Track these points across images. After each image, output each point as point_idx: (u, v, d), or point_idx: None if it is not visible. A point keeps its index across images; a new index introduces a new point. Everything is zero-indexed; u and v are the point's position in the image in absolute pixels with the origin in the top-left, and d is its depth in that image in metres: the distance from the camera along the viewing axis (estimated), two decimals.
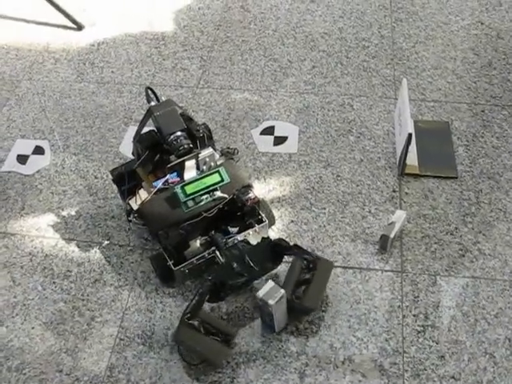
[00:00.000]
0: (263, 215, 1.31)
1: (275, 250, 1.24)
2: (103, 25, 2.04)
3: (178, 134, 1.23)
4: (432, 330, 1.19)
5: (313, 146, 1.55)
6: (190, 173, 1.26)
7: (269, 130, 1.59)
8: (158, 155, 1.27)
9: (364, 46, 1.83)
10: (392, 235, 1.29)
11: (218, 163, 1.30)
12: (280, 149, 1.55)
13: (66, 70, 1.89)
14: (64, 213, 1.47)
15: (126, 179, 1.32)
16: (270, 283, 1.16)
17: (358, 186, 1.46)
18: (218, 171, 1.27)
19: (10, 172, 1.59)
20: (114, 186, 1.39)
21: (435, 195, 1.42)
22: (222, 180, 1.26)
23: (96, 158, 1.59)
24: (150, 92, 1.28)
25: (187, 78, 1.78)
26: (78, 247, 1.39)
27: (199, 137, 1.28)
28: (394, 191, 1.44)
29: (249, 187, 1.27)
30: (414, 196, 1.43)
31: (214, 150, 1.32)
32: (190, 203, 1.24)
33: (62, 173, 1.56)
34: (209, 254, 1.26)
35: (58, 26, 2.06)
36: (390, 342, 1.18)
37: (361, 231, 1.36)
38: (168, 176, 1.26)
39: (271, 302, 1.12)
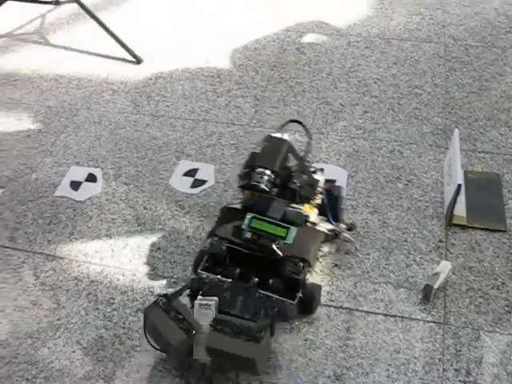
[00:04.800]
0: (298, 294, 1.26)
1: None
2: (161, 60, 2.11)
3: (267, 172, 1.24)
4: None
5: (361, 191, 1.55)
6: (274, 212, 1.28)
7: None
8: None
9: (416, 94, 1.84)
10: (436, 286, 1.28)
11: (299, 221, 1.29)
12: None
13: (122, 101, 1.95)
14: (111, 241, 1.50)
15: None
16: None
17: (403, 233, 1.45)
18: (288, 228, 1.26)
19: (62, 197, 1.64)
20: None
21: (482, 248, 1.41)
22: (285, 238, 1.26)
23: (146, 189, 1.62)
24: (298, 124, 1.37)
25: (240, 115, 1.82)
26: (123, 276, 1.42)
27: (290, 188, 1.28)
28: (440, 241, 1.43)
29: (304, 262, 1.26)
30: (461, 247, 1.41)
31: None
32: (248, 235, 1.27)
33: (113, 201, 1.60)
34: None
35: (118, 59, 2.14)
36: None
37: (404, 279, 1.35)
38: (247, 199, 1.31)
39: None
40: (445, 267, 1.31)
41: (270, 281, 1.26)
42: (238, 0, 2.38)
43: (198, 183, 1.62)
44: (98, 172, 1.70)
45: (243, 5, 2.35)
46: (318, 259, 1.38)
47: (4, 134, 1.89)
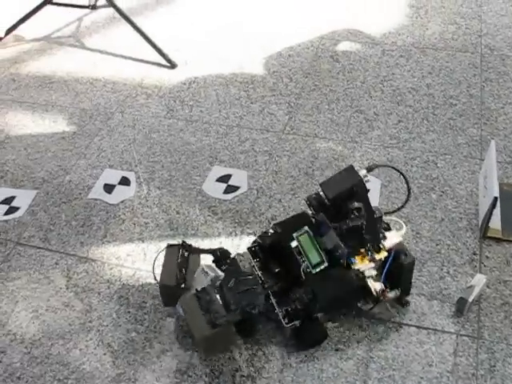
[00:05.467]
0: (296, 323, 1.24)
1: None
2: (195, 65, 2.12)
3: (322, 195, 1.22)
4: None
5: (394, 201, 1.54)
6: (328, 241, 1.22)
7: None
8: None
9: (451, 104, 1.82)
10: (470, 299, 1.26)
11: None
12: None
13: (157, 105, 1.96)
14: (144, 244, 1.51)
15: None
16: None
17: (437, 245, 1.43)
18: (322, 260, 1.21)
19: (96, 199, 1.66)
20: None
21: None
22: (312, 265, 1.21)
23: (179, 193, 1.63)
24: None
25: (273, 122, 1.82)
26: (155, 280, 1.42)
27: (353, 226, 1.20)
28: (474, 254, 1.41)
29: (312, 300, 1.22)
30: (495, 261, 1.39)
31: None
32: (293, 244, 1.24)
33: (145, 205, 1.61)
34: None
35: (153, 64, 2.16)
36: None
37: (437, 291, 1.34)
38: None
39: None
40: (479, 280, 1.29)
41: (290, 295, 1.24)
42: (273, 7, 2.39)
43: (231, 189, 1.62)
44: (131, 175, 1.71)
45: (278, 12, 2.35)
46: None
47: (39, 135, 1.92)
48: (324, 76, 1.99)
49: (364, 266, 1.21)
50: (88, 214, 1.62)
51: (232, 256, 1.34)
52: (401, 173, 1.30)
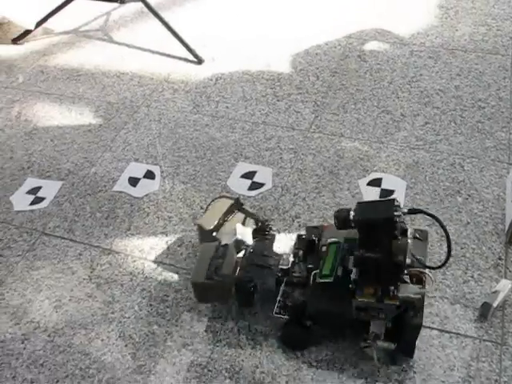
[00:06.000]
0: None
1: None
2: (222, 61, 2.13)
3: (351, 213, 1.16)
4: None
5: (419, 203, 1.53)
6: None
7: (376, 182, 1.59)
8: None
9: (480, 107, 1.81)
10: (495, 304, 1.25)
11: None
12: None
13: (183, 100, 1.97)
14: (167, 238, 1.52)
15: None
16: None
17: (462, 248, 1.42)
18: (330, 273, 1.18)
19: (120, 192, 1.67)
20: None
21: None
22: (320, 275, 1.19)
23: (204, 189, 1.63)
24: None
25: (299, 120, 1.82)
26: (177, 273, 1.43)
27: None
28: (499, 259, 1.39)
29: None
30: None
31: None
32: (323, 248, 1.23)
33: (170, 199, 1.62)
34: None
35: (180, 59, 2.16)
36: None
37: (461, 295, 1.32)
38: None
39: None
40: (505, 286, 1.28)
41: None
42: (301, 5, 2.38)
43: (255, 186, 1.62)
44: (156, 169, 1.72)
45: (306, 10, 2.35)
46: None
47: (66, 127, 1.93)
48: (351, 75, 1.98)
49: (367, 301, 1.14)
50: (112, 207, 1.63)
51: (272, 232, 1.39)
52: (443, 228, 1.12)
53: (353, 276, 1.14)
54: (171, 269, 1.44)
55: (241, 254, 1.31)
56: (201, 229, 1.36)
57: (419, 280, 1.17)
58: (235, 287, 1.27)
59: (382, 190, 1.56)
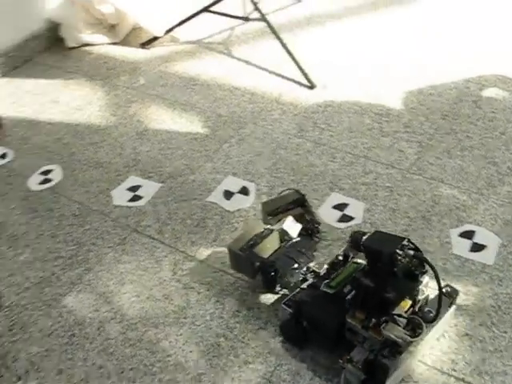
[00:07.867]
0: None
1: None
2: (334, 89, 2.14)
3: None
4: None
5: (511, 263, 1.46)
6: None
7: (468, 234, 1.53)
8: None
9: None
10: None
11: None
12: (475, 256, 1.48)
13: (289, 123, 2.00)
14: None
15: None
16: None
17: None
18: (336, 285, 1.26)
19: (213, 203, 1.71)
20: None
21: None
22: (328, 285, 1.28)
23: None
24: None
25: (401, 159, 1.79)
26: (253, 292, 1.45)
27: None
28: None
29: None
30: None
31: None
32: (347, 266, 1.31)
33: (259, 218, 1.64)
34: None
35: (293, 81, 2.20)
36: None
37: None
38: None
39: None
40: None
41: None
42: (420, 42, 2.35)
43: (345, 218, 1.61)
44: (251, 186, 1.75)
45: (425, 48, 2.31)
46: None
47: (175, 133, 2.01)
48: (462, 120, 1.92)
49: (354, 323, 1.18)
50: (203, 216, 1.68)
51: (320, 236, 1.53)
52: (432, 268, 1.15)
53: (349, 296, 1.21)
54: (247, 286, 1.46)
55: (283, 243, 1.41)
56: (263, 210, 1.54)
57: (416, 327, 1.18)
58: (259, 268, 1.36)
59: (473, 243, 1.51)
